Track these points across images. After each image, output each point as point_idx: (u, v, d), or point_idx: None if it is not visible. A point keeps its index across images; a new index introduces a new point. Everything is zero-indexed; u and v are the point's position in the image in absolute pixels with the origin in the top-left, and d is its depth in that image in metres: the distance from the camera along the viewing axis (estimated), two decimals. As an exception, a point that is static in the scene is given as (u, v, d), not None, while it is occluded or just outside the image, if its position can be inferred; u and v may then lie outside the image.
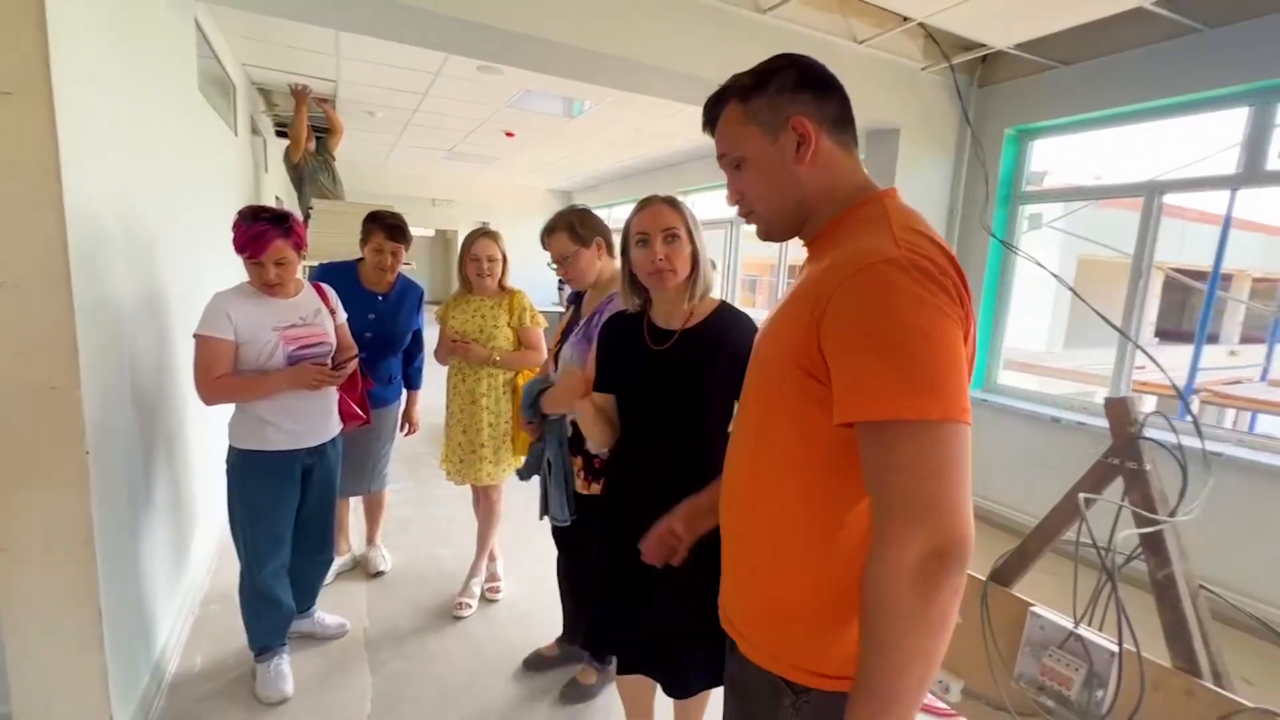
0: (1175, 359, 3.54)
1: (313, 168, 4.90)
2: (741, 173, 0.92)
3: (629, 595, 1.49)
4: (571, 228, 1.88)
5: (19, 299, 1.40)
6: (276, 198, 6.23)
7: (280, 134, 5.97)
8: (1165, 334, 12.85)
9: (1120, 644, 1.26)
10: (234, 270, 3.73)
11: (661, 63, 2.77)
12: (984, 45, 3.23)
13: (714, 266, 1.53)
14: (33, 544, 1.47)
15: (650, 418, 1.49)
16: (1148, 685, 1.27)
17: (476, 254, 2.39)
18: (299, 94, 4.68)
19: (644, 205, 1.47)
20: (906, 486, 0.70)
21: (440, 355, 2.47)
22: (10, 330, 1.40)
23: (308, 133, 4.81)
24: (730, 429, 1.54)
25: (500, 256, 2.44)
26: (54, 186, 1.39)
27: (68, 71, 1.43)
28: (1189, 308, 13.46)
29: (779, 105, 0.87)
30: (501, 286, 2.48)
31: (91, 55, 1.60)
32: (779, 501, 0.87)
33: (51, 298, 1.42)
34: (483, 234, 2.43)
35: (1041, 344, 11.62)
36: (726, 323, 1.45)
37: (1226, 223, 3.18)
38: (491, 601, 2.61)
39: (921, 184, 3.70)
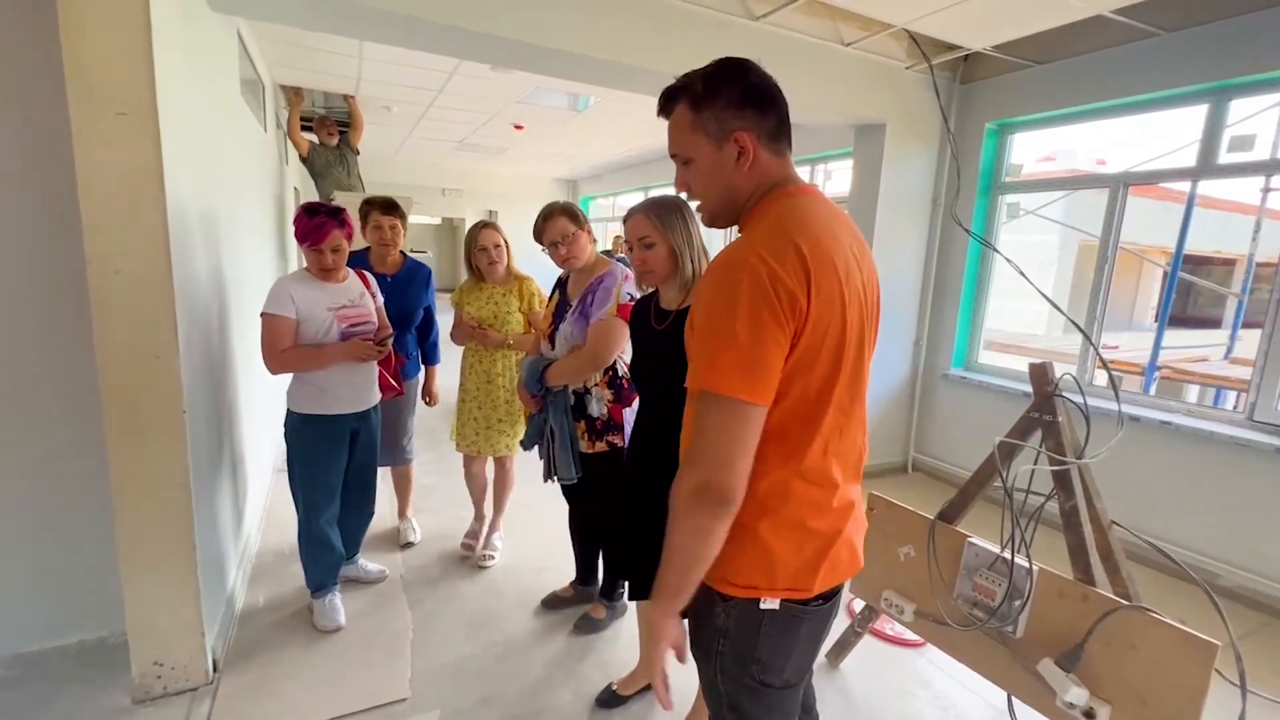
0: (1174, 341, 3.80)
1: (326, 161, 5.17)
2: (689, 169, 1.05)
3: (643, 546, 1.78)
4: (569, 212, 2.16)
5: (131, 283, 1.70)
6: (295, 189, 6.52)
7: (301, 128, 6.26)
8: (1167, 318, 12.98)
9: (1012, 556, 1.56)
10: (271, 254, 4.05)
11: (660, 67, 3.01)
12: (963, 47, 3.47)
13: (706, 255, 1.78)
14: (142, 487, 1.79)
15: (655, 386, 1.79)
16: (1054, 593, 1.57)
17: (483, 244, 2.61)
18: (294, 100, 4.98)
19: (627, 217, 1.73)
20: (698, 438, 0.93)
21: (456, 337, 2.73)
22: (125, 309, 1.70)
23: (329, 128, 5.12)
24: None
25: (503, 242, 2.65)
26: (158, 190, 1.69)
27: (167, 94, 1.72)
28: (1193, 292, 13.61)
29: (725, 119, 0.98)
30: (510, 273, 2.71)
31: (179, 76, 1.89)
32: None
33: (156, 281, 1.72)
34: (482, 226, 2.65)
35: (1041, 327, 11.84)
36: None
37: (1188, 210, 3.41)
38: (483, 568, 2.81)
39: (906, 176, 3.95)
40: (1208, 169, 3.08)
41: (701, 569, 0.96)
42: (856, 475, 1.10)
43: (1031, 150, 4.08)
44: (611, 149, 7.75)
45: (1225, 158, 3.04)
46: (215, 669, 2.02)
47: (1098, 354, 1.79)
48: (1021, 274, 2.10)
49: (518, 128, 6.64)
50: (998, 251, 2.16)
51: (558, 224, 2.14)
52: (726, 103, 0.98)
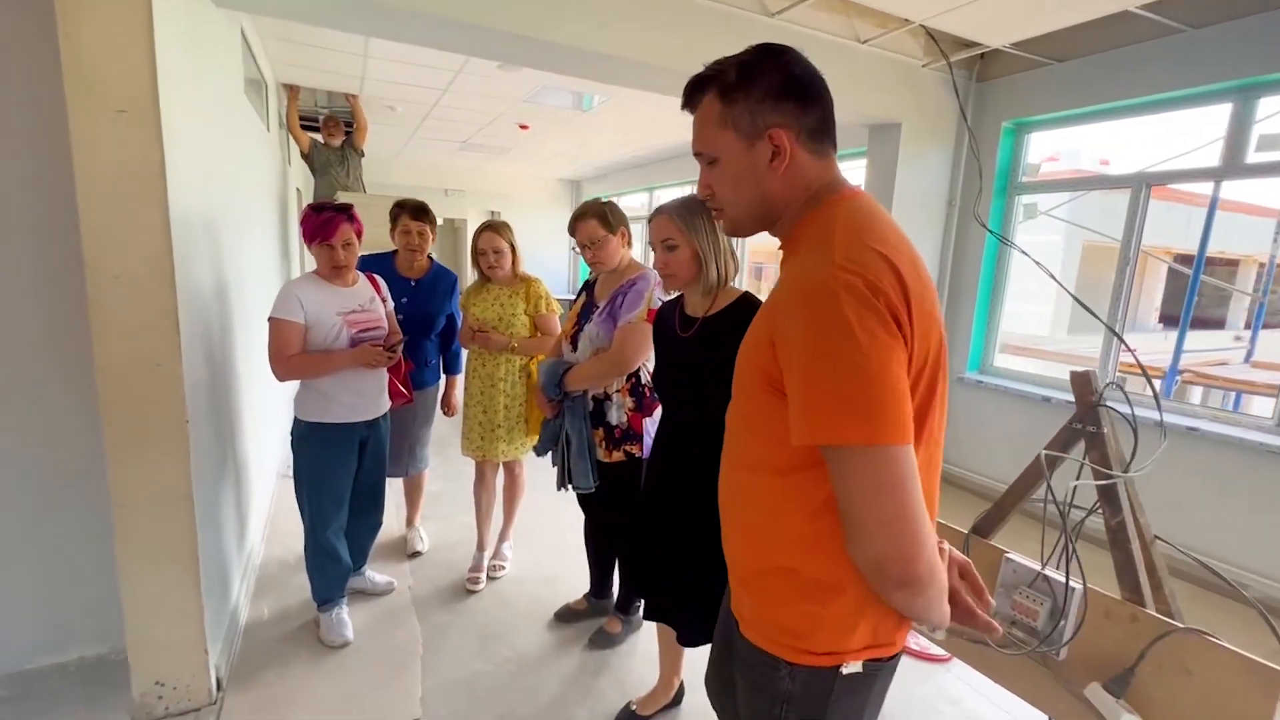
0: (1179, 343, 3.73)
1: (326, 160, 5.11)
2: (714, 170, 0.92)
3: (663, 552, 1.71)
4: (602, 215, 2.08)
5: (131, 288, 1.62)
6: (297, 189, 6.45)
7: (303, 128, 6.18)
8: (1170, 319, 12.91)
9: (1066, 576, 1.49)
10: (275, 256, 3.98)
11: (672, 65, 2.94)
12: (981, 44, 3.40)
13: (734, 259, 1.69)
14: (144, 499, 1.71)
15: (677, 396, 1.71)
16: (1099, 613, 1.50)
17: (483, 248, 2.51)
18: (291, 94, 4.90)
19: (651, 218, 1.66)
20: (848, 506, 0.77)
21: (464, 339, 2.66)
22: (124, 316, 1.63)
23: (333, 128, 5.05)
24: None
25: (506, 247, 2.53)
26: (160, 191, 1.62)
27: (169, 90, 1.64)
28: (1196, 293, 13.51)
29: (760, 113, 0.85)
30: (516, 275, 2.61)
31: (182, 72, 1.82)
32: (759, 502, 0.92)
33: (158, 287, 1.65)
34: (487, 228, 2.55)
35: (1046, 329, 11.76)
36: (742, 313, 1.60)
37: (1211, 211, 3.34)
38: (493, 579, 2.75)
39: (922, 176, 3.88)
40: (1234, 168, 3.01)
41: (941, 604, 0.83)
42: (934, 510, 0.96)
43: (1038, 150, 4.00)
44: (616, 149, 7.67)
45: (1253, 157, 2.96)
46: (219, 687, 1.95)
47: (1136, 361, 1.71)
48: (1052, 277, 2.02)
49: (523, 127, 6.56)
50: (1026, 254, 2.08)
51: (587, 227, 2.06)
52: (764, 94, 0.85)
